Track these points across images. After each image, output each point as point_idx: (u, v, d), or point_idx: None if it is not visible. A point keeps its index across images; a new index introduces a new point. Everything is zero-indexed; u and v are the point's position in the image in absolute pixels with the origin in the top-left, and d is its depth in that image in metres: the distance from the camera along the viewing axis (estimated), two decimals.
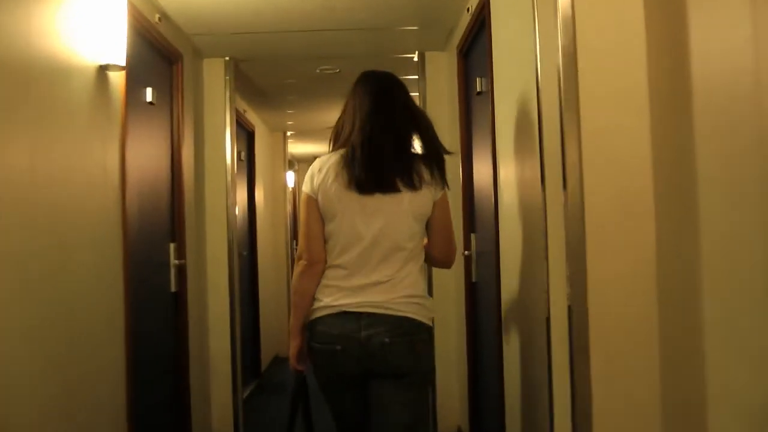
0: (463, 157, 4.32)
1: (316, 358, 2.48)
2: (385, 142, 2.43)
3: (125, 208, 3.21)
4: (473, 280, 4.24)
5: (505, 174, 3.11)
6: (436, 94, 5.08)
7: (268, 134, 8.51)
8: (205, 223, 5.06)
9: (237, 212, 5.40)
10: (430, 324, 2.48)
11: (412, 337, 2.39)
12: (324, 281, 2.48)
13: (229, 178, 5.08)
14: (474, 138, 4.19)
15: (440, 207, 2.52)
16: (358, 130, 2.46)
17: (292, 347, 2.58)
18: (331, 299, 2.44)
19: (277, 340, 8.21)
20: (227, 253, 5.10)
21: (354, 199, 2.42)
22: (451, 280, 4.89)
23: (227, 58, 5.07)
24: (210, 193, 5.08)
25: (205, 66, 5.10)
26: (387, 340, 2.35)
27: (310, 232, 2.47)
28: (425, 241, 2.55)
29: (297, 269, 2.51)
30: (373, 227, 2.40)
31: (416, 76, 5.11)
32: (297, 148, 10.05)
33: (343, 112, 2.58)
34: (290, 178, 9.92)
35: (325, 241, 2.48)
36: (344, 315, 2.40)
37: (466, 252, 4.25)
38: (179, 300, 4.28)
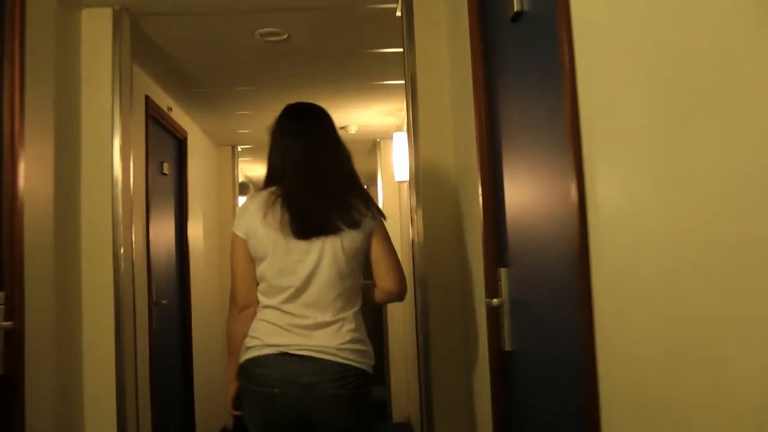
0: (483, 159, 2.65)
1: (251, 401, 2.35)
2: (320, 184, 2.40)
3: None
4: (506, 348, 2.45)
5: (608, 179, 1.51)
6: (431, 67, 3.45)
7: (213, 149, 6.77)
8: (80, 267, 3.44)
9: (149, 250, 4.23)
10: (371, 372, 2.39)
11: (358, 390, 2.31)
12: (260, 317, 2.39)
13: (119, 197, 3.48)
14: (506, 120, 2.45)
15: (381, 235, 2.47)
16: (290, 171, 2.42)
17: (229, 392, 2.48)
18: (270, 338, 2.33)
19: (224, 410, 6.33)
20: (114, 310, 3.39)
21: (290, 241, 2.35)
22: (450, 340, 3.31)
23: (116, 9, 3.57)
24: (87, 219, 3.47)
25: (84, 19, 3.55)
26: (330, 391, 2.27)
27: (241, 274, 2.43)
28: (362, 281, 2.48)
29: (229, 314, 2.48)
30: (309, 265, 2.34)
31: (400, 49, 3.60)
32: (254, 168, 8.44)
33: (271, 149, 2.52)
34: None
35: (257, 282, 2.43)
36: (286, 357, 2.30)
37: (496, 301, 2.42)
38: (8, 388, 2.59)
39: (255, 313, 2.41)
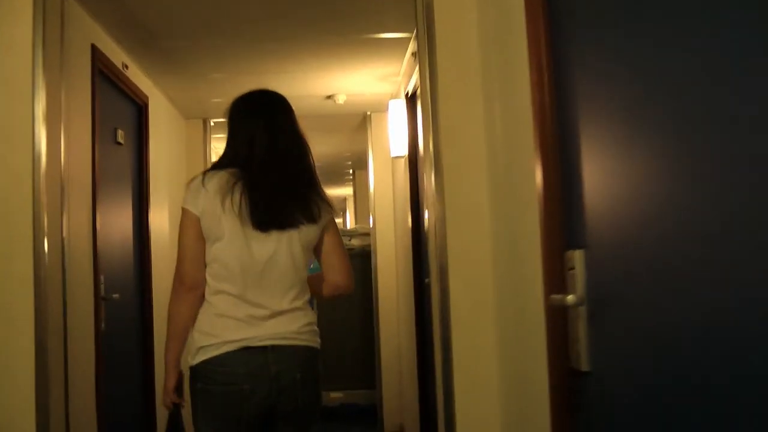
0: (542, 122, 1.95)
1: (212, 403, 2.27)
2: (284, 177, 2.38)
3: None
4: (581, 367, 1.69)
5: None
6: (453, 9, 2.75)
7: (180, 122, 5.98)
8: None
9: (96, 236, 3.55)
10: None
11: (317, 371, 2.37)
12: (212, 310, 2.32)
13: (41, 172, 2.73)
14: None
15: (333, 229, 2.51)
16: (255, 159, 2.36)
17: (169, 380, 2.38)
18: (229, 333, 2.27)
19: None
20: (33, 311, 2.65)
21: (246, 228, 2.30)
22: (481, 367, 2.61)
23: None
24: None
25: None
26: (298, 376, 2.30)
27: (191, 253, 2.34)
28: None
29: (174, 295, 2.36)
30: (265, 253, 2.31)
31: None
32: None
33: (233, 133, 2.46)
34: None
35: (207, 265, 2.34)
36: (247, 351, 2.26)
37: (571, 298, 1.65)
38: None
39: (203, 296, 2.35)
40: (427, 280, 3.91)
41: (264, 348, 2.26)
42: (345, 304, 6.64)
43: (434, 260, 2.76)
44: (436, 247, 2.73)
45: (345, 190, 12.37)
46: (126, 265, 4.23)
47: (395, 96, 5.25)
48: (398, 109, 4.94)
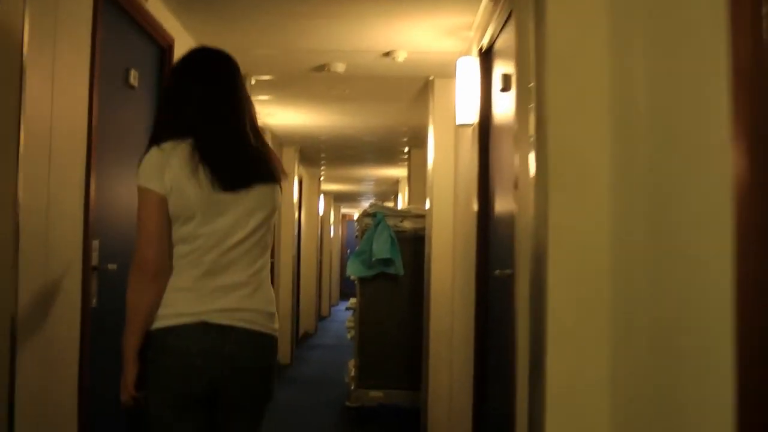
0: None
1: (162, 376, 2.19)
2: (238, 135, 2.27)
3: None
4: None
5: None
6: None
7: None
8: None
9: (88, 195, 2.97)
10: None
11: (272, 361, 2.31)
12: (175, 285, 2.20)
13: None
14: None
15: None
16: (206, 121, 2.23)
17: (128, 374, 2.22)
18: (189, 306, 2.18)
19: None
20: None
21: (216, 197, 2.18)
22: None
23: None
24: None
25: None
26: (251, 364, 2.24)
27: (157, 239, 2.17)
28: None
29: (135, 285, 2.18)
30: (237, 221, 2.21)
31: None
32: (275, 113, 7.06)
33: (177, 94, 2.29)
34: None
35: (173, 245, 2.22)
36: (205, 326, 2.17)
37: None
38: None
39: (165, 284, 2.20)
40: (499, 272, 3.14)
41: (222, 328, 2.17)
42: (390, 292, 5.95)
43: (525, 248, 2.01)
44: (530, 233, 1.98)
45: (398, 171, 11.60)
46: (133, 232, 3.54)
47: (465, 53, 4.45)
48: (469, 67, 4.16)
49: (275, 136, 8.12)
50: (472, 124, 4.21)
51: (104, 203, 3.12)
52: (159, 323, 2.17)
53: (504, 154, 3.45)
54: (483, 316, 3.91)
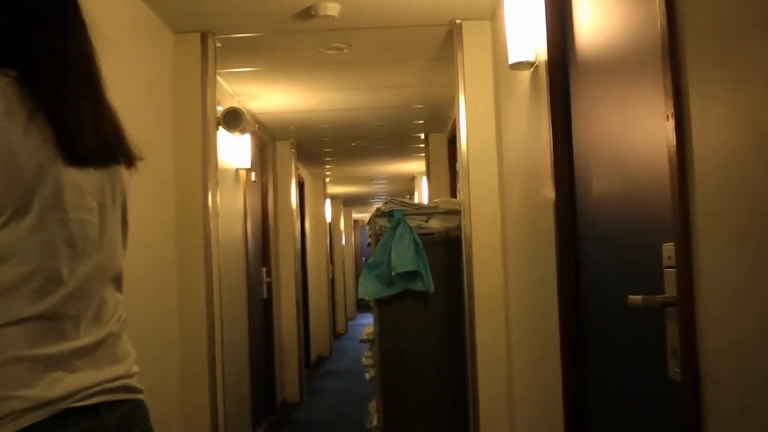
0: None
1: None
2: (89, 86, 1.40)
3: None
4: None
5: None
6: None
7: (162, 35, 3.82)
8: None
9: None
10: None
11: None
12: (9, 352, 1.22)
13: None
14: None
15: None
16: (39, 66, 1.30)
17: None
18: (32, 389, 1.22)
19: None
20: None
21: (65, 176, 1.28)
22: None
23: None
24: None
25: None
26: None
27: None
28: None
29: None
30: (96, 232, 1.36)
31: None
32: (254, 92, 5.62)
33: None
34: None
35: None
36: (69, 416, 1.25)
37: None
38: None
39: None
40: (637, 299, 1.71)
41: (97, 408, 1.28)
42: (418, 316, 4.52)
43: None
44: None
45: (413, 166, 10.12)
46: None
47: None
48: None
49: (264, 128, 6.70)
50: (534, 63, 2.76)
51: None
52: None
53: (609, 105, 2.09)
54: (574, 349, 2.47)
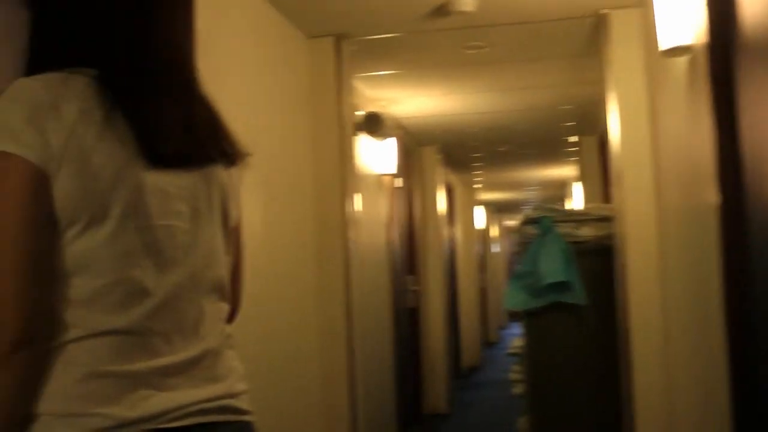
0: None
1: None
2: (188, 69, 1.34)
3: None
4: None
5: None
6: None
7: (295, 39, 3.78)
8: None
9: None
10: None
11: None
12: (80, 368, 1.14)
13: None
14: None
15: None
16: (118, 60, 1.22)
17: None
18: (118, 408, 1.13)
19: None
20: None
21: (147, 179, 1.19)
22: None
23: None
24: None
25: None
26: None
27: (22, 264, 1.11)
28: None
29: None
30: (187, 239, 1.26)
31: None
32: (396, 95, 5.49)
33: (62, 14, 1.24)
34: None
35: (66, 277, 1.16)
36: None
37: None
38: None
39: (43, 358, 1.14)
40: None
41: (189, 430, 1.19)
42: (568, 329, 4.26)
43: None
44: None
45: (564, 171, 9.76)
46: None
47: None
48: None
49: (408, 133, 6.60)
50: (691, 47, 2.46)
51: None
52: None
53: None
54: (749, 388, 2.15)
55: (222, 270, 1.33)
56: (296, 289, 3.63)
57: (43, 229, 1.12)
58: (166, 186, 1.21)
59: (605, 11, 3.63)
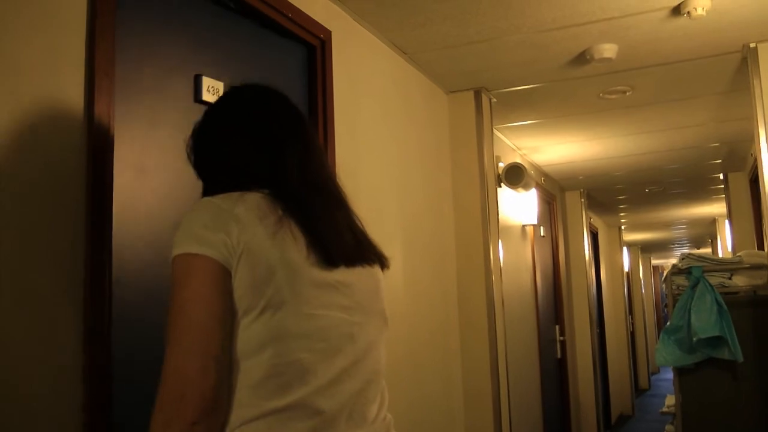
0: None
1: None
2: (333, 199, 1.51)
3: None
4: None
5: None
6: None
7: (436, 95, 3.83)
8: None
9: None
10: None
11: None
12: None
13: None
14: None
15: None
16: (286, 180, 1.43)
17: None
18: None
19: None
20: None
21: (317, 275, 1.36)
22: None
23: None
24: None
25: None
26: None
27: (205, 345, 1.24)
28: None
29: (163, 425, 1.19)
30: (356, 326, 1.40)
31: None
32: (536, 144, 5.53)
33: (235, 142, 1.47)
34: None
35: (240, 360, 1.29)
36: None
37: None
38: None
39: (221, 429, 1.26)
40: None
41: None
42: (726, 388, 4.04)
43: None
44: None
45: (712, 208, 9.31)
46: None
47: None
48: None
49: (550, 179, 6.51)
50: None
51: None
52: None
53: None
54: None
55: (382, 362, 1.45)
56: (440, 347, 3.60)
57: (224, 314, 1.26)
58: (333, 281, 1.36)
59: (753, 45, 3.47)
